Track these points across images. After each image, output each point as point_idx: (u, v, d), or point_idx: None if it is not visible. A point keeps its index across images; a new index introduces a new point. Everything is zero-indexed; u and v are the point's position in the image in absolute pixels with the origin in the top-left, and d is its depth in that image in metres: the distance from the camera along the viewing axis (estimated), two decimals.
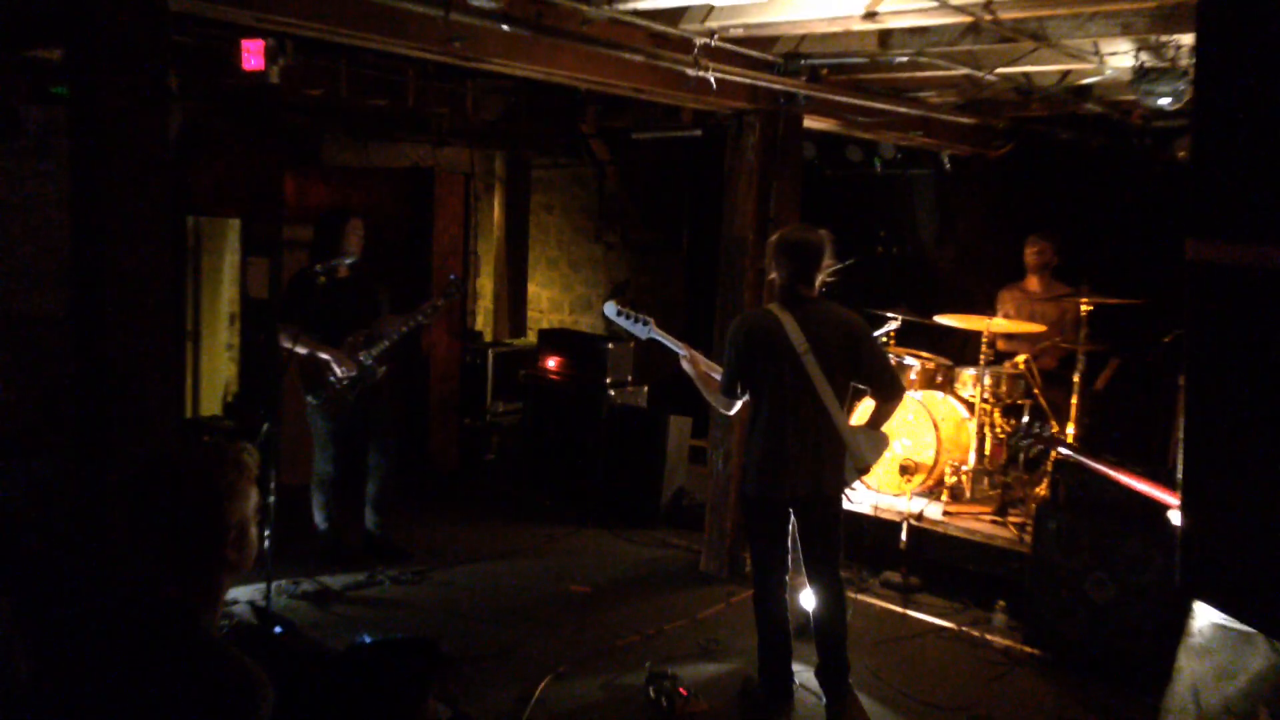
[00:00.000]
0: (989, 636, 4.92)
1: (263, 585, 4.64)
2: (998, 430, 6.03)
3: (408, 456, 6.54)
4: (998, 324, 6.05)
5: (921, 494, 5.89)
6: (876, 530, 5.63)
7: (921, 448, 5.93)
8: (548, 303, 10.00)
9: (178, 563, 1.91)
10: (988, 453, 6.07)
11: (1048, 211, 6.90)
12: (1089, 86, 5.49)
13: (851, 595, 4.87)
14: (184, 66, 5.15)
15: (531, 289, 9.88)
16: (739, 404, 4.12)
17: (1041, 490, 5.62)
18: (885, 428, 4.18)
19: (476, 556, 5.83)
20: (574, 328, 9.37)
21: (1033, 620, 4.80)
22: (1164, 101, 4.44)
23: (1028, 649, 4.77)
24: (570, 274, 9.87)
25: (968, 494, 6.03)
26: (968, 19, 4.15)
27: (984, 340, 5.96)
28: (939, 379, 6.30)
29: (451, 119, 7.49)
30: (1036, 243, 6.44)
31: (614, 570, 5.75)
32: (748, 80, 5.09)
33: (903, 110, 5.94)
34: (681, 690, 4.08)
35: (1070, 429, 5.73)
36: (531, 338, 8.99)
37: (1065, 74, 5.28)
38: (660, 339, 4.29)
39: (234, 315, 7.92)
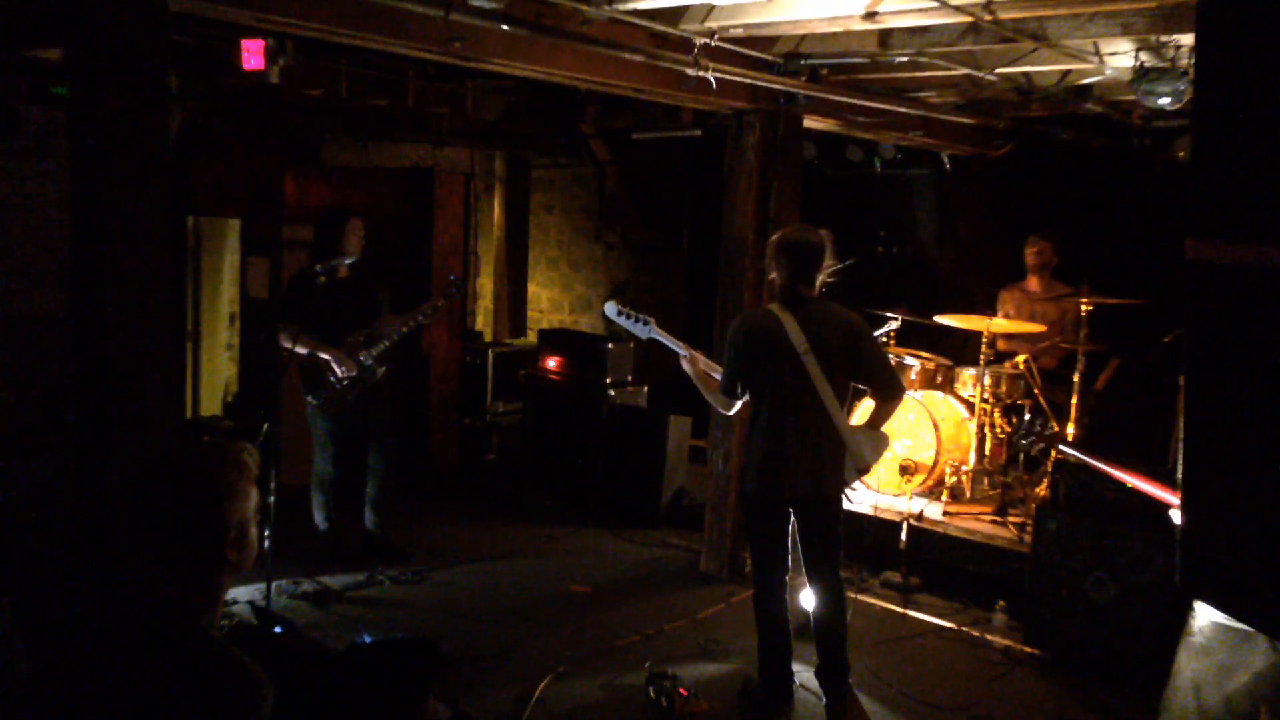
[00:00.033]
0: (989, 636, 4.92)
1: (263, 585, 4.64)
2: (998, 430, 6.03)
3: (408, 456, 6.54)
4: (998, 324, 6.05)
5: (921, 494, 5.89)
6: (876, 530, 5.63)
7: (921, 448, 5.93)
8: (548, 303, 10.00)
9: (178, 563, 1.91)
10: (988, 453, 6.07)
11: (1048, 211, 6.90)
12: (1089, 86, 5.49)
13: (851, 595, 4.87)
14: (184, 66, 5.15)
15: (531, 289, 9.88)
16: (739, 404, 4.12)
17: (1041, 490, 5.62)
18: (885, 428, 4.18)
19: (476, 556, 5.83)
20: (574, 328, 9.38)
21: (1033, 620, 4.80)
22: (1164, 101, 4.44)
23: (1028, 649, 4.77)
24: (570, 274, 9.87)
25: (968, 494, 6.03)
26: (968, 19, 4.15)
27: (984, 340, 5.96)
28: (939, 379, 6.30)
29: (451, 119, 7.49)
30: (1036, 243, 6.44)
31: (614, 570, 5.75)
32: (748, 80, 5.09)
33: (903, 110, 5.94)
34: (681, 690, 4.08)
35: (1070, 429, 5.73)
36: (531, 338, 8.99)
37: (1065, 74, 5.28)
38: (660, 339, 4.29)
39: (234, 315, 7.92)
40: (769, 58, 5.07)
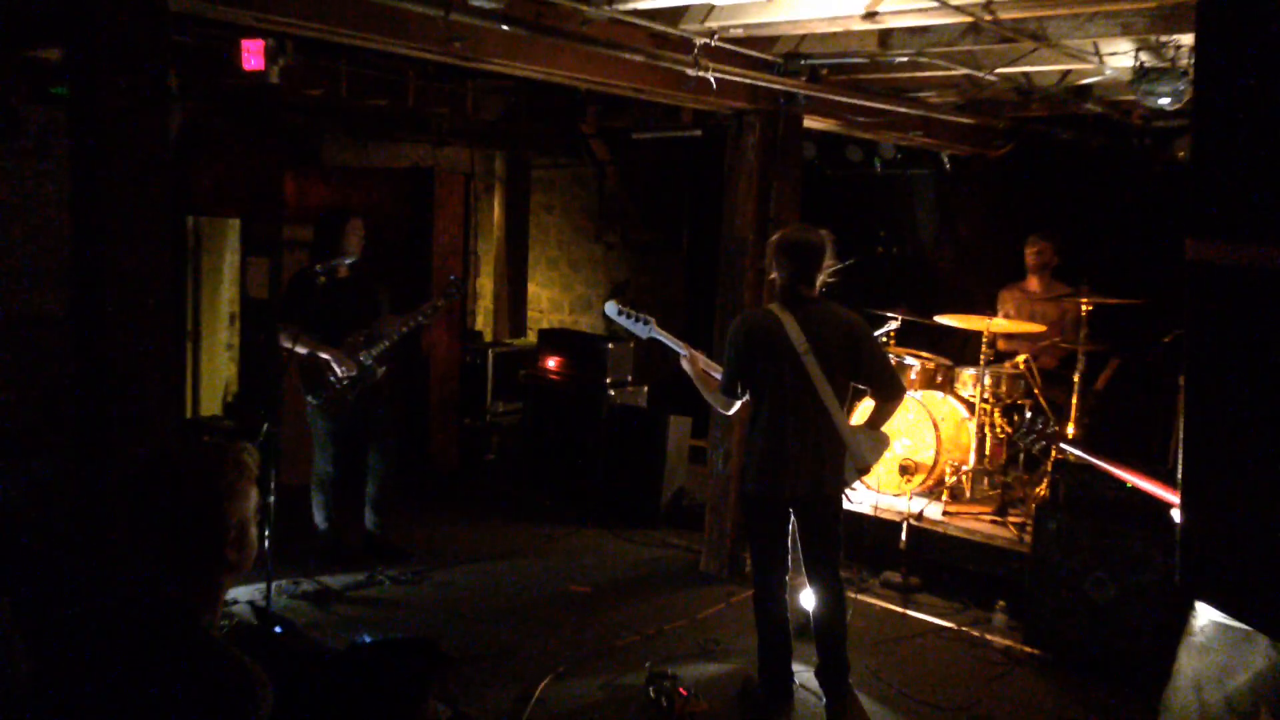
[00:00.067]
0: (989, 636, 4.92)
1: (263, 585, 4.64)
2: (998, 430, 6.03)
3: (408, 456, 6.54)
4: (998, 324, 6.05)
5: (921, 494, 5.89)
6: (876, 530, 5.63)
7: (921, 448, 5.94)
8: (548, 303, 10.00)
9: (178, 563, 1.91)
10: (988, 453, 6.07)
11: (1048, 211, 6.90)
12: (1089, 86, 5.49)
13: (851, 595, 4.87)
14: (184, 66, 5.16)
15: (531, 289, 9.88)
16: (738, 404, 4.12)
17: (1041, 490, 5.62)
18: (885, 428, 4.18)
19: (476, 556, 5.83)
20: (574, 328, 9.38)
21: (1033, 620, 4.80)
22: (1164, 101, 4.44)
23: (1028, 649, 4.77)
24: (570, 274, 9.87)
25: (968, 494, 6.03)
26: (968, 19, 4.15)
27: (984, 340, 5.96)
28: (939, 379, 6.30)
29: (451, 119, 7.49)
30: (1036, 243, 6.44)
31: (614, 570, 5.75)
32: (748, 80, 5.09)
33: (903, 110, 5.94)
34: (681, 690, 4.08)
35: (1070, 429, 5.73)
36: (531, 338, 8.99)
37: (1065, 74, 5.28)
38: (661, 338, 4.29)
39: (234, 315, 7.92)
40: (769, 58, 5.07)
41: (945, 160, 7.32)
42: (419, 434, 7.21)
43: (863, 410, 5.35)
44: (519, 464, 7.36)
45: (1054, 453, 5.64)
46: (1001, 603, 5.15)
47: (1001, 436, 6.06)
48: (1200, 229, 1.97)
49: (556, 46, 4.43)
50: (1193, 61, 3.64)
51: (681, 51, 4.67)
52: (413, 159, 8.63)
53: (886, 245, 7.81)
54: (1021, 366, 6.00)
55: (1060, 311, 6.31)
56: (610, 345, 6.98)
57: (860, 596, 5.24)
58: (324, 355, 5.26)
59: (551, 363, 7.22)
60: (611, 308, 4.39)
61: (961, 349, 6.68)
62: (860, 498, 5.73)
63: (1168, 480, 3.61)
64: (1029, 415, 5.83)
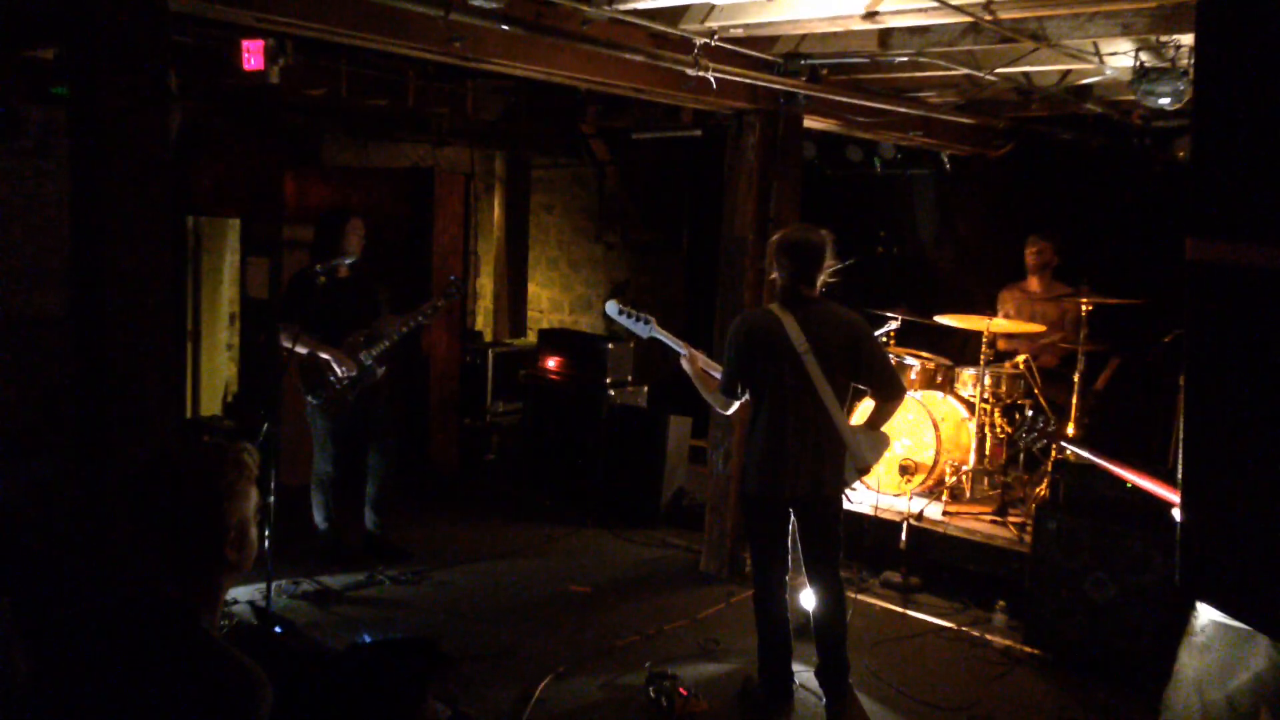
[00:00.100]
0: (989, 636, 4.92)
1: (263, 585, 4.64)
2: (998, 430, 6.03)
3: (408, 456, 6.54)
4: (998, 324, 6.05)
5: (921, 494, 5.88)
6: (876, 530, 5.63)
7: (921, 448, 5.94)
8: (548, 303, 10.00)
9: (178, 563, 1.91)
10: (988, 453, 6.07)
11: (1048, 211, 6.90)
12: (1089, 86, 5.49)
13: (851, 595, 4.87)
14: (184, 66, 5.15)
15: (531, 289, 9.88)
16: (737, 404, 4.12)
17: (1041, 490, 5.62)
18: (885, 428, 4.18)
19: (476, 556, 5.83)
20: (574, 328, 9.38)
21: (1033, 620, 4.80)
22: (1164, 101, 4.44)
23: (1028, 649, 4.77)
24: (570, 274, 9.87)
25: (968, 494, 6.03)
26: (968, 19, 4.15)
27: (984, 340, 5.96)
28: (939, 379, 6.30)
29: (451, 119, 7.49)
30: (1036, 243, 6.45)
31: (614, 570, 5.75)
32: (748, 80, 5.09)
33: (903, 110, 5.94)
34: (681, 690, 4.08)
35: (1070, 429, 5.73)
36: (531, 338, 8.99)
37: (1065, 74, 5.28)
38: (661, 338, 4.29)
39: (234, 315, 7.92)
40: (769, 58, 5.07)
41: (945, 160, 7.31)
42: (419, 434, 7.21)
43: (863, 410, 5.35)
44: (519, 464, 7.36)
45: (1054, 452, 5.64)
46: (1001, 603, 5.15)
47: (1001, 436, 6.06)
48: (1200, 229, 1.97)
49: (556, 46, 4.43)
50: (1193, 61, 3.64)
51: (681, 51, 4.67)
52: (413, 159, 8.63)
53: (886, 245, 7.80)
54: (1021, 366, 6.00)
55: (1060, 311, 6.31)
56: (610, 345, 6.98)
57: (860, 596, 5.24)
58: (324, 355, 5.26)
59: (551, 363, 7.22)
60: (612, 307, 4.39)
61: (961, 349, 6.68)
62: (860, 498, 5.73)
63: (1168, 480, 3.60)
64: (1030, 414, 5.83)
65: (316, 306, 5.06)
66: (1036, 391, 5.97)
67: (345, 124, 7.75)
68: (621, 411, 6.87)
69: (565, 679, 4.32)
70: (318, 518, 5.56)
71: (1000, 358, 6.16)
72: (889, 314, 6.20)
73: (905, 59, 4.90)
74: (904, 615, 5.18)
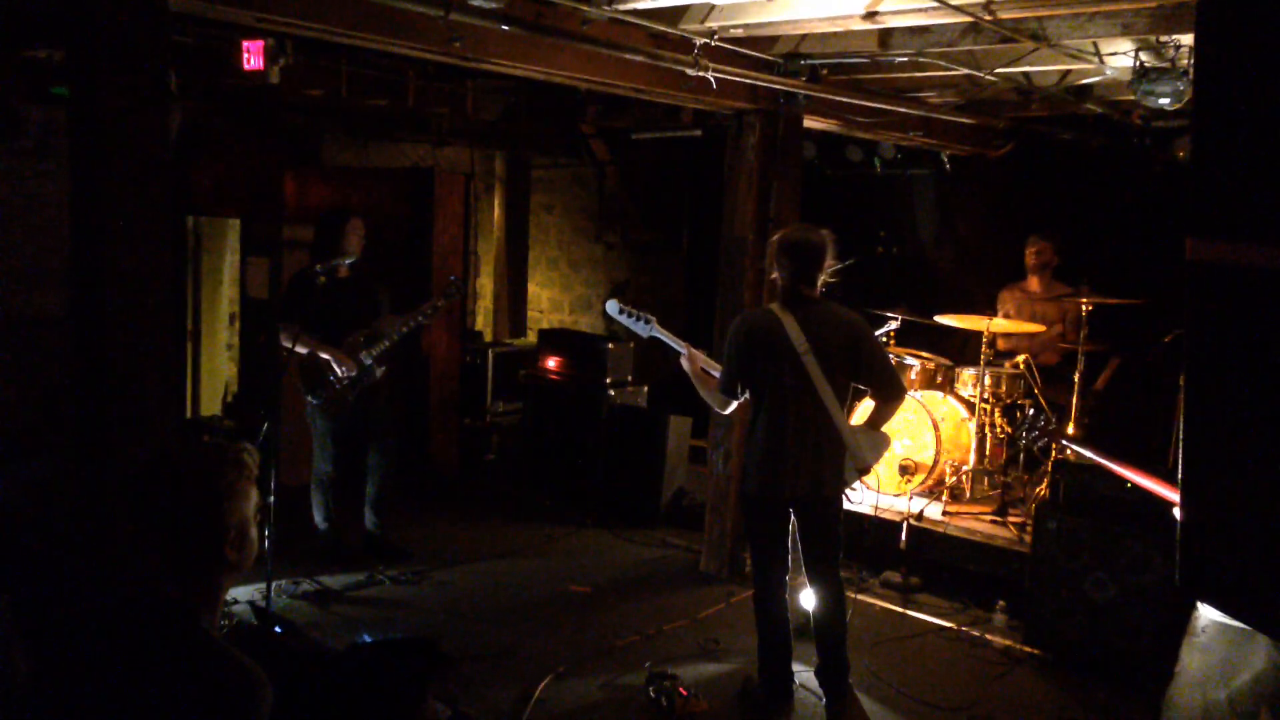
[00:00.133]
0: (989, 636, 4.92)
1: (263, 585, 4.64)
2: (998, 430, 6.04)
3: (408, 456, 6.54)
4: (998, 324, 6.05)
5: (921, 494, 5.89)
6: (876, 530, 5.63)
7: (921, 448, 5.94)
8: (548, 303, 10.00)
9: (178, 563, 1.91)
10: (988, 453, 6.07)
11: (1048, 211, 6.91)
12: (1089, 86, 5.49)
13: (851, 595, 4.86)
14: (184, 66, 5.15)
15: (531, 289, 9.88)
16: (735, 404, 4.12)
17: (1041, 490, 5.62)
18: (885, 428, 4.18)
19: (476, 556, 5.83)
20: (574, 328, 9.38)
21: (1033, 620, 4.80)
22: (1164, 101, 4.44)
23: (1028, 649, 4.77)
24: (570, 274, 9.87)
25: (968, 494, 6.03)
26: (968, 19, 4.15)
27: (984, 340, 5.96)
28: (939, 379, 6.30)
29: (451, 119, 7.49)
30: (1036, 243, 6.45)
31: (614, 570, 5.75)
32: (748, 80, 5.09)
33: (903, 110, 5.94)
34: (681, 690, 4.08)
35: (1070, 429, 5.73)
36: (531, 338, 8.99)
37: (1065, 74, 5.28)
38: (661, 337, 4.29)
39: (234, 315, 7.92)
40: (769, 58, 5.07)
41: (945, 160, 7.32)
42: (419, 434, 7.21)
43: (863, 410, 5.35)
44: (519, 464, 7.37)
45: (1054, 451, 5.64)
46: (1001, 603, 5.15)
47: (1001, 436, 6.07)
48: (1200, 229, 1.97)
49: (557, 46, 4.43)
50: (1193, 61, 3.64)
51: (681, 51, 4.67)
52: (413, 159, 8.63)
53: (886, 245, 7.81)
54: (1021, 366, 6.00)
55: (1060, 311, 6.31)
56: (610, 345, 6.98)
57: (860, 596, 5.24)
58: (324, 355, 5.26)
59: (551, 363, 7.22)
60: (613, 306, 4.39)
61: (961, 349, 6.68)
62: (860, 498, 5.71)
63: (1169, 479, 3.60)
64: (1031, 412, 5.83)
65: (316, 306, 5.06)
66: (1036, 391, 5.97)
67: (345, 124, 7.74)
68: (621, 411, 6.87)
69: (565, 679, 4.32)
70: (318, 518, 5.56)
71: (1000, 358, 6.16)
72: (889, 314, 6.20)
73: (905, 59, 4.90)
74: (904, 615, 5.18)
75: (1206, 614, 2.75)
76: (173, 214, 3.62)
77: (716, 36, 4.63)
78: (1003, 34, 4.37)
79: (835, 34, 4.84)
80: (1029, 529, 5.16)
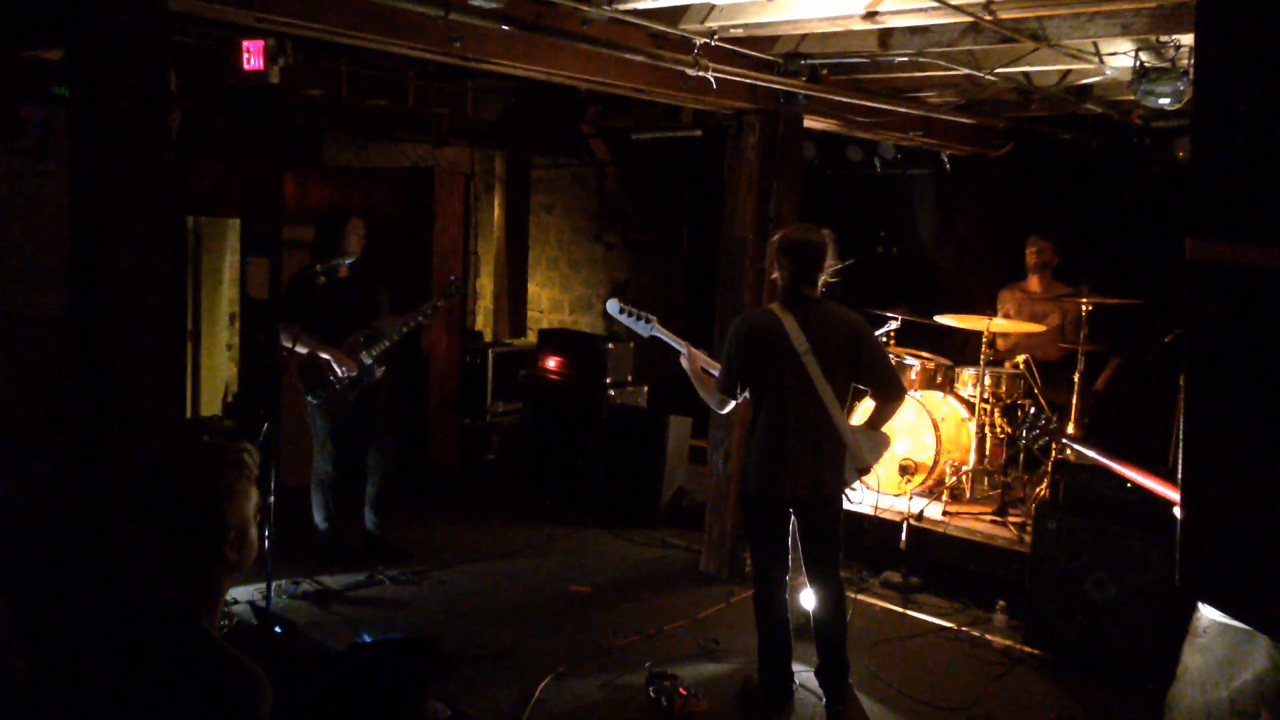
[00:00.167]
0: (989, 636, 4.92)
1: (263, 585, 4.64)
2: (998, 430, 6.04)
3: (408, 456, 6.54)
4: (998, 324, 6.05)
5: (921, 494, 5.89)
6: (876, 530, 5.63)
7: (921, 448, 5.93)
8: (548, 303, 10.00)
9: (178, 563, 1.91)
10: (988, 453, 6.07)
11: (1048, 211, 6.90)
12: (1089, 86, 5.49)
13: (851, 595, 4.86)
14: (184, 66, 5.15)
15: (531, 289, 9.88)
16: (733, 404, 4.13)
17: (1041, 490, 5.62)
18: (885, 428, 4.18)
19: (476, 556, 5.83)
20: (574, 328, 9.38)
21: (1033, 620, 4.80)
22: (1164, 101, 4.44)
23: (1028, 649, 4.77)
24: (570, 274, 9.87)
25: (968, 494, 6.03)
26: (968, 19, 4.15)
27: (984, 340, 5.96)
28: (939, 379, 6.30)
29: (451, 119, 7.49)
30: (1036, 243, 6.45)
31: (614, 570, 5.75)
32: (748, 80, 5.09)
33: (903, 110, 5.94)
34: (681, 690, 4.08)
35: (1070, 429, 5.73)
36: (531, 338, 8.99)
37: (1065, 74, 5.28)
38: (661, 336, 4.29)
39: (234, 315, 7.91)
40: (769, 58, 5.07)
41: (945, 160, 7.31)
42: (419, 434, 7.21)
43: (863, 410, 5.35)
44: (519, 464, 7.36)
45: (1054, 451, 5.64)
46: (1001, 603, 5.15)
47: (1001, 436, 6.07)
48: (1200, 229, 1.97)
49: (557, 46, 4.43)
50: (1193, 61, 3.64)
51: (681, 51, 4.67)
52: (413, 159, 8.63)
53: (886, 245, 7.80)
54: (1021, 366, 6.00)
55: (1060, 311, 6.31)
56: (610, 345, 6.98)
57: (860, 596, 5.24)
58: (324, 355, 5.26)
59: (551, 363, 7.22)
60: (613, 305, 4.39)
61: (961, 349, 6.68)
62: (860, 498, 5.70)
63: (1170, 479, 3.60)
64: (1032, 411, 5.83)
65: (316, 306, 5.06)
66: (1036, 391, 5.97)
67: (345, 124, 7.74)
68: (621, 411, 6.87)
69: (565, 679, 4.32)
70: (318, 518, 5.56)
71: (1000, 358, 6.16)
72: (889, 314, 6.20)
73: (905, 59, 4.90)
74: (904, 615, 5.18)
75: (1208, 614, 2.75)
76: (173, 214, 3.62)
77: (716, 36, 4.63)
78: (1003, 34, 4.37)
79: (835, 34, 4.84)
80: (1029, 529, 5.16)
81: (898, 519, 5.60)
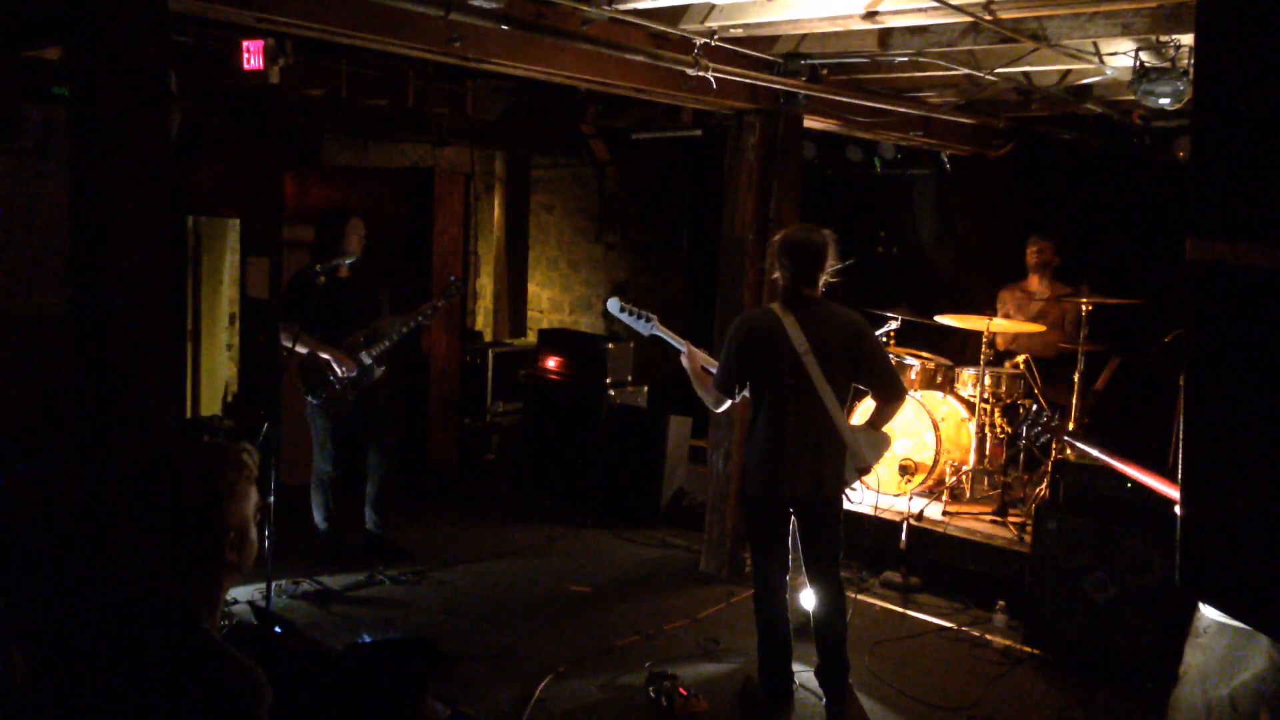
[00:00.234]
0: (989, 636, 4.92)
1: (263, 585, 4.64)
2: (998, 430, 6.04)
3: (408, 456, 6.54)
4: (998, 324, 6.05)
5: (921, 494, 5.89)
6: (876, 530, 5.63)
7: (921, 448, 5.93)
8: (548, 303, 10.00)
9: (178, 563, 1.91)
10: (988, 453, 6.07)
11: (1048, 211, 6.91)
12: (1089, 86, 5.49)
13: (851, 595, 4.87)
14: (184, 66, 5.14)
15: (531, 289, 9.88)
16: (729, 403, 4.13)
17: (1041, 490, 5.62)
18: (886, 428, 4.17)
19: (476, 556, 5.83)
20: (574, 328, 9.38)
21: (1033, 620, 4.80)
22: (1164, 101, 4.44)
23: (1028, 649, 4.77)
24: (570, 274, 9.87)
25: (968, 494, 6.03)
26: (968, 19, 4.15)
27: (984, 340, 5.96)
28: (939, 379, 6.30)
29: (451, 119, 7.49)
30: (1037, 242, 6.45)
31: (614, 570, 5.76)
32: (748, 80, 5.09)
33: (903, 110, 5.94)
34: (681, 690, 4.08)
35: (1071, 428, 5.73)
36: (531, 338, 8.99)
37: (1065, 74, 5.28)
38: (661, 335, 4.29)
39: (234, 315, 7.92)
40: (769, 58, 5.07)
41: (945, 160, 7.32)
42: (419, 434, 7.21)
43: (863, 410, 5.35)
44: (519, 464, 7.36)
45: (1055, 450, 5.63)
46: (1001, 603, 5.15)
47: (1001, 436, 6.07)
48: (1200, 229, 1.96)
49: (557, 46, 4.43)
50: (1193, 61, 3.64)
51: (681, 51, 4.67)
52: (413, 159, 8.63)
53: (886, 245, 7.80)
54: (1021, 366, 6.00)
55: (1060, 311, 6.31)
56: (610, 345, 6.98)
57: (860, 596, 5.24)
58: (324, 355, 5.26)
59: (551, 363, 7.22)
60: (614, 304, 4.39)
61: (961, 349, 6.68)
62: (860, 498, 5.71)
63: (1171, 477, 3.60)
64: (1034, 409, 5.83)
65: (316, 306, 5.05)
66: (1036, 391, 5.97)
67: (345, 124, 7.74)
68: (621, 411, 6.87)
69: (565, 679, 4.32)
70: (318, 518, 5.56)
71: (1000, 358, 6.16)
72: (889, 314, 6.20)
73: (905, 59, 4.90)
74: (904, 615, 5.18)
75: (1208, 614, 2.75)
76: (173, 214, 3.62)
77: (716, 36, 4.63)
78: (1003, 34, 4.37)
79: (835, 34, 4.84)
80: (1029, 529, 5.16)
81: (898, 519, 5.60)
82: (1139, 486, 4.31)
